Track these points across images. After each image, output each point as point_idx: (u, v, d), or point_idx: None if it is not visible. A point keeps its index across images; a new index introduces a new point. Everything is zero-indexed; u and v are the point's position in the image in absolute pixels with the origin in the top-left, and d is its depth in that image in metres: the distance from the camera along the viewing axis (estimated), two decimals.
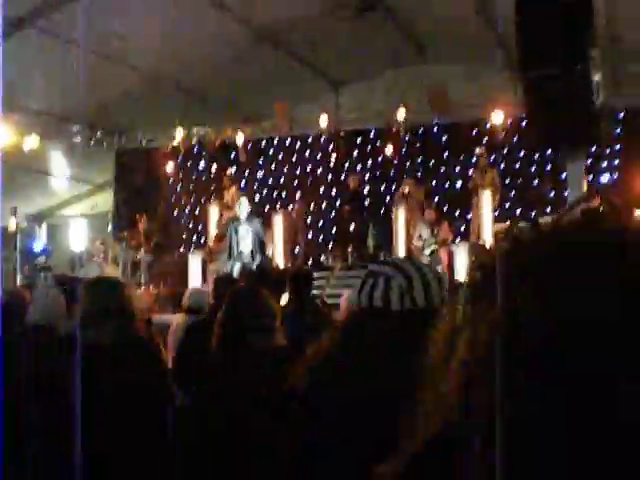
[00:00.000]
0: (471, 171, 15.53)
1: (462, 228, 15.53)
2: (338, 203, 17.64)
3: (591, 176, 15.08)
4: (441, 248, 13.35)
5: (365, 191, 17.49)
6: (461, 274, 13.07)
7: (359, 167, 17.84)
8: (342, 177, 17.40)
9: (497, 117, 15.62)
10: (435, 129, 17.55)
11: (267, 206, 17.76)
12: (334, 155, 17.61)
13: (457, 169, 17.09)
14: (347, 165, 17.76)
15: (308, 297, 6.37)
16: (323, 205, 17.97)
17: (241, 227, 13.84)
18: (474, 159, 15.83)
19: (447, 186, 17.18)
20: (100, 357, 3.84)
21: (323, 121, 16.89)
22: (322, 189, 18.16)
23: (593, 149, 14.17)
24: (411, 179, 15.87)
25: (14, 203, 17.14)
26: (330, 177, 18.11)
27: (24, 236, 18.61)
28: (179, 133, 17.77)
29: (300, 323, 5.45)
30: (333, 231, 17.61)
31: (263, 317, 3.84)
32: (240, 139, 17.76)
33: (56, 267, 17.95)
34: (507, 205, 16.35)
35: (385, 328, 2.25)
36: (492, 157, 16.07)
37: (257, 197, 18.30)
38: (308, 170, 18.40)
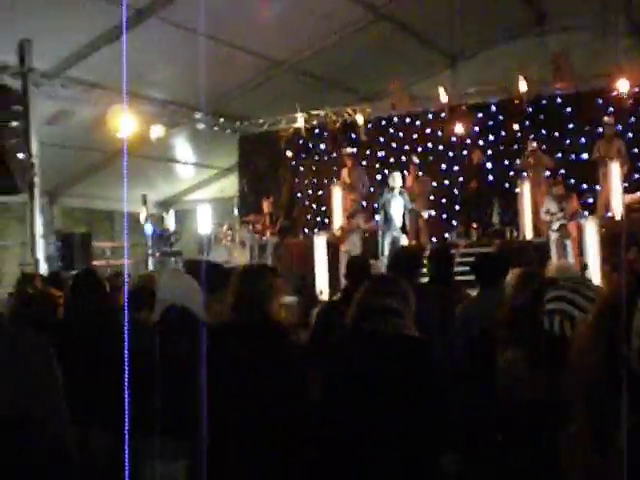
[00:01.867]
0: (597, 142, 15.06)
1: (590, 201, 15.09)
2: (461, 179, 17.42)
3: None
4: (570, 222, 13.04)
5: (489, 166, 17.26)
6: (591, 248, 12.75)
7: (481, 142, 17.56)
8: (464, 153, 17.17)
9: (623, 85, 15.13)
10: (558, 100, 17.10)
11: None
12: (455, 130, 17.37)
13: (582, 140, 16.62)
14: (469, 141, 17.49)
15: (451, 275, 6.26)
16: (446, 182, 17.78)
17: (394, 200, 14.33)
18: (600, 129, 15.39)
19: (573, 158, 16.73)
20: (238, 339, 3.96)
21: (442, 96, 16.72)
22: (444, 166, 17.98)
23: None
24: (535, 146, 15.53)
25: (142, 191, 17.63)
26: (452, 153, 17.90)
27: (154, 222, 19.14)
28: (300, 116, 17.92)
29: (442, 303, 5.42)
30: (457, 208, 17.43)
31: (389, 300, 3.78)
32: (360, 119, 17.78)
33: (185, 251, 18.43)
34: (636, 176, 15.83)
35: None
36: (618, 126, 15.58)
37: (379, 177, 18.27)
38: (430, 147, 18.24)
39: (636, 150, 15.94)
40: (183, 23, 13.55)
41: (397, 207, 14.60)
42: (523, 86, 15.94)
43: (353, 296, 3.99)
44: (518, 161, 15.75)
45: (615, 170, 14.15)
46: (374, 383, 3.51)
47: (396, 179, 14.77)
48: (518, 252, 12.30)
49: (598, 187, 15.02)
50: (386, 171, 17.79)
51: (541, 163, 15.24)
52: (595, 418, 1.03)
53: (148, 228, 17.36)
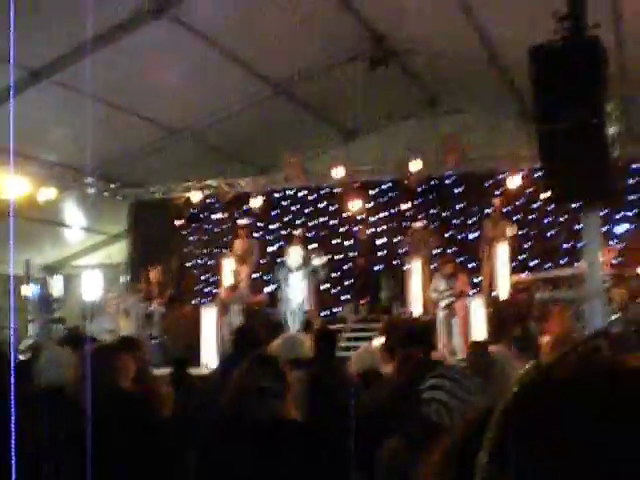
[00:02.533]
0: (485, 222, 15.43)
1: (479, 279, 15.38)
2: (351, 255, 17.58)
3: (606, 227, 14.98)
4: (457, 301, 13.20)
5: (378, 242, 17.46)
6: (477, 327, 12.92)
7: (373, 219, 17.79)
8: (355, 229, 17.35)
9: (510, 165, 15.65)
10: (449, 180, 17.52)
11: (280, 258, 17.71)
12: (348, 206, 17.57)
13: (471, 220, 17.02)
14: (362, 216, 17.70)
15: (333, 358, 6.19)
16: (337, 257, 17.88)
17: (292, 275, 14.22)
18: (488, 210, 15.79)
19: (462, 237, 17.09)
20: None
21: (337, 173, 16.91)
22: (337, 240, 18.11)
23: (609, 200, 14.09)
24: (419, 225, 15.79)
25: (29, 254, 17.16)
26: (344, 229, 18.06)
27: (38, 287, 18.60)
28: (193, 186, 17.82)
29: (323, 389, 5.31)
30: (346, 283, 17.52)
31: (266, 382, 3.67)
32: (253, 190, 17.80)
33: (69, 318, 17.92)
34: (522, 257, 16.26)
35: None
36: (506, 208, 16.03)
37: (270, 249, 18.26)
38: (322, 221, 18.36)
39: (522, 231, 16.40)
40: (77, 86, 13.37)
41: (295, 285, 14.41)
42: (415, 166, 16.25)
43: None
44: (401, 238, 16.05)
45: (501, 251, 14.47)
46: (247, 469, 3.37)
47: (292, 254, 14.59)
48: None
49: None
50: (278, 244, 17.82)
51: (427, 242, 15.48)
52: None
53: (30, 291, 16.83)
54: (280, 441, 3.42)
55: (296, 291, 14.30)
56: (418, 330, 6.41)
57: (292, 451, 3.38)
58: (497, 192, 16.36)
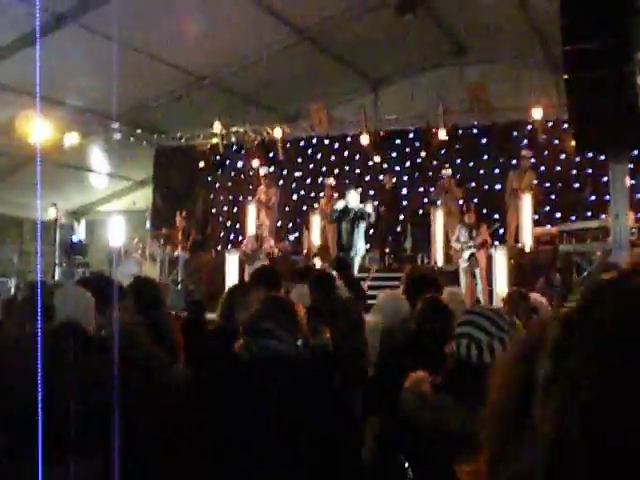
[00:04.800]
0: (510, 173, 15.28)
1: (501, 231, 15.30)
2: (376, 204, 17.54)
3: (633, 180, 14.83)
4: (479, 251, 13.17)
5: (403, 192, 17.40)
6: (499, 278, 12.93)
7: (398, 168, 17.69)
8: (380, 177, 17.27)
9: (537, 115, 15.45)
10: (475, 130, 17.37)
11: (305, 205, 17.70)
12: (373, 155, 17.50)
13: (496, 171, 16.89)
14: (385, 166, 17.61)
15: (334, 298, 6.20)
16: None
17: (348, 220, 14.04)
18: (514, 161, 15.65)
19: (486, 188, 16.98)
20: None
21: (363, 121, 16.82)
22: (360, 189, 18.07)
23: (636, 153, 13.95)
24: (448, 173, 15.65)
25: (54, 199, 17.24)
26: (368, 177, 17.99)
27: (63, 231, 18.73)
28: (218, 131, 17.77)
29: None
30: (370, 232, 17.52)
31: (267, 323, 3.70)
32: (279, 138, 17.74)
33: (94, 263, 18.07)
34: (547, 209, 16.15)
35: None
36: (532, 159, 15.90)
37: (295, 196, 18.26)
38: (347, 169, 18.30)
39: (548, 184, 16.28)
40: (103, 31, 13.33)
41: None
42: (441, 115, 16.13)
43: None
44: (432, 189, 15.92)
45: (527, 203, 14.38)
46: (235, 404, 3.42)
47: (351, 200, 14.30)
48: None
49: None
50: (302, 192, 17.80)
51: (453, 192, 15.40)
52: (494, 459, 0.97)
53: (57, 236, 16.99)
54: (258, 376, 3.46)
55: (357, 236, 14.15)
56: (430, 277, 6.38)
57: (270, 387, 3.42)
58: (523, 143, 16.21)
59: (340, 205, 13.81)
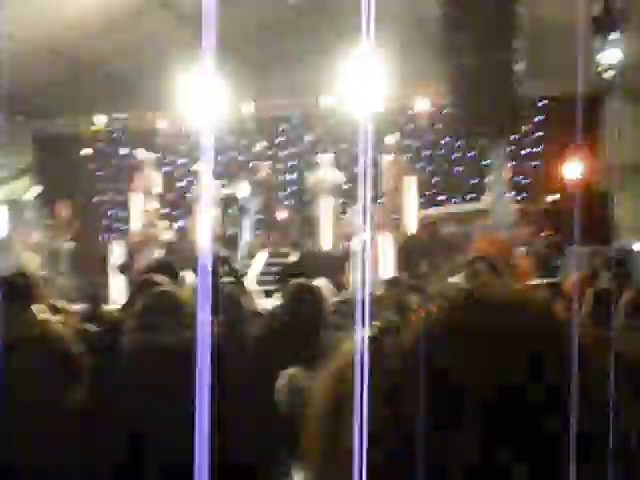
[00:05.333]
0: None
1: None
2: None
3: (513, 162, 15.27)
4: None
5: (289, 178, 17.52)
6: (385, 262, 13.13)
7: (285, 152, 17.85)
8: (265, 164, 17.26)
9: (422, 105, 15.74)
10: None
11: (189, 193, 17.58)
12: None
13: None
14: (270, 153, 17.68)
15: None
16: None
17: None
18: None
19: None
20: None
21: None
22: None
23: (515, 137, 14.36)
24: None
25: None
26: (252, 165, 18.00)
27: None
28: (100, 118, 17.45)
29: None
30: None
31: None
32: (162, 124, 17.53)
33: None
34: (430, 192, 16.50)
35: None
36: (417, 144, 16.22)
37: (179, 184, 18.14)
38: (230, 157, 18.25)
39: (430, 167, 16.66)
40: None
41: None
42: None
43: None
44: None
45: (412, 186, 14.63)
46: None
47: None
48: None
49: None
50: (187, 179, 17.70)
51: None
52: None
53: None
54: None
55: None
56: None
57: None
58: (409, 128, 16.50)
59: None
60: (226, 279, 6.67)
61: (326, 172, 15.35)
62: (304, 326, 4.55)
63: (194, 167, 17.89)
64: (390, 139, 15.08)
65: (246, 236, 14.60)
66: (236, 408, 3.65)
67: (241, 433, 4.20)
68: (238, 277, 6.62)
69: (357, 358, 0.82)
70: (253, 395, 4.21)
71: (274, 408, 3.69)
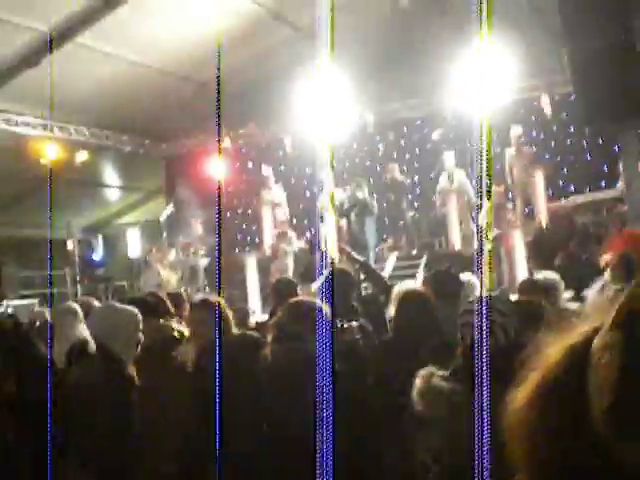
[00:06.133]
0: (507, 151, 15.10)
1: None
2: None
3: None
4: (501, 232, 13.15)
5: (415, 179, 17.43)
6: (518, 257, 12.91)
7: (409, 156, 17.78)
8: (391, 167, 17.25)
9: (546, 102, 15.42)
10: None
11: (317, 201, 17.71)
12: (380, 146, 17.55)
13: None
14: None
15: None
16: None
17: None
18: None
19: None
20: None
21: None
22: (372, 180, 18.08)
23: None
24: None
25: (69, 216, 17.36)
26: (379, 167, 18.01)
27: (82, 248, 18.84)
28: (225, 135, 17.80)
29: None
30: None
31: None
32: (286, 137, 17.74)
33: (115, 277, 18.16)
34: (561, 183, 16.12)
35: None
36: (542, 135, 15.86)
37: (308, 193, 18.29)
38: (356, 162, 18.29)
39: (558, 157, 16.26)
40: (101, 46, 13.42)
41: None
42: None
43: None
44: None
45: (539, 179, 14.34)
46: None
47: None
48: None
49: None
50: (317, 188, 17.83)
51: None
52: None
53: (74, 253, 17.09)
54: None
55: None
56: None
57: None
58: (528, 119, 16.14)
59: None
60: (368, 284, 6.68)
61: (452, 171, 15.19)
62: (412, 330, 4.56)
63: (319, 176, 18.05)
64: (515, 131, 14.81)
65: (372, 240, 14.67)
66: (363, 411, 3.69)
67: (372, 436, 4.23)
68: (385, 285, 6.56)
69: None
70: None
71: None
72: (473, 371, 2.80)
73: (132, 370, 4.32)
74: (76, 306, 5.66)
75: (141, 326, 4.51)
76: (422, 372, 3.45)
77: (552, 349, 1.03)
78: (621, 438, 0.90)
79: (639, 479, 0.90)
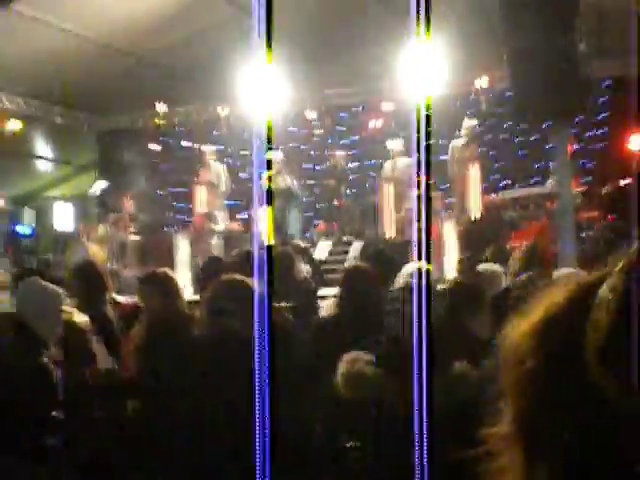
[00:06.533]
0: (453, 142, 15.29)
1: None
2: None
3: (576, 145, 15.05)
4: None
5: (351, 166, 17.45)
6: (449, 247, 13.06)
7: (346, 141, 17.80)
8: (328, 152, 17.28)
9: (483, 85, 15.54)
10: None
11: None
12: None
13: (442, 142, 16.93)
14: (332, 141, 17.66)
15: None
16: (310, 182, 17.86)
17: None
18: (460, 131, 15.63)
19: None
20: None
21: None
22: (308, 165, 18.10)
23: (579, 119, 14.14)
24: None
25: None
26: (316, 153, 18.02)
27: (9, 219, 18.48)
28: (162, 111, 17.58)
29: None
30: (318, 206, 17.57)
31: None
32: (223, 115, 17.61)
33: (42, 250, 17.84)
34: (493, 177, 16.33)
35: None
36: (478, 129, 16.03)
37: (243, 175, 18.20)
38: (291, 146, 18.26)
39: (493, 152, 16.46)
40: (40, 16, 13.13)
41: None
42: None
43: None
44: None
45: (475, 172, 14.50)
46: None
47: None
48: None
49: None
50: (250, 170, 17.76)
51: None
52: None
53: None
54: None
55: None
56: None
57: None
58: (468, 113, 16.27)
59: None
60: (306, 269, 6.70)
61: (397, 159, 15.27)
62: (359, 308, 4.56)
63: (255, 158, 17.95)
64: (468, 123, 15.04)
65: (296, 226, 14.78)
66: (297, 391, 3.69)
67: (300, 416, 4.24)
68: (318, 267, 6.63)
69: None
70: (316, 379, 4.25)
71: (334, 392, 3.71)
72: (398, 357, 2.83)
73: (55, 351, 4.25)
74: None
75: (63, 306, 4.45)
76: (347, 356, 3.48)
77: (556, 290, 1.11)
78: (607, 375, 0.97)
79: (618, 416, 0.96)
